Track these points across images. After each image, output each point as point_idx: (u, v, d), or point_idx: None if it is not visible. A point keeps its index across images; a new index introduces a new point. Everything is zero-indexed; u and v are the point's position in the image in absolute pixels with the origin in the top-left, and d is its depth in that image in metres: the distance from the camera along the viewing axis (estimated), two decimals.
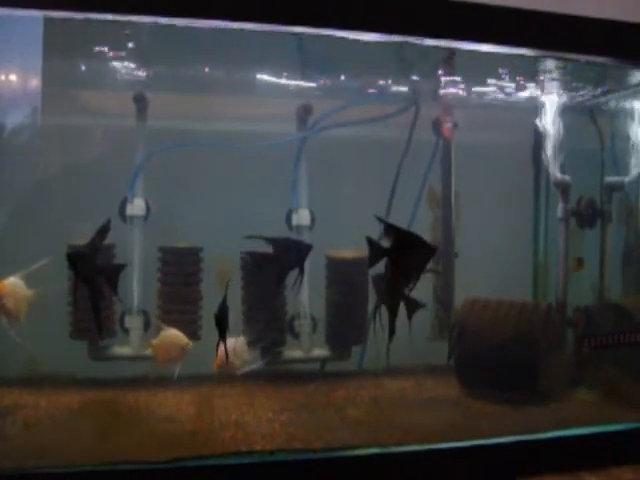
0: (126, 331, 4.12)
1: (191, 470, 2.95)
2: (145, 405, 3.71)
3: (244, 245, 3.85)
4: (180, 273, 4.08)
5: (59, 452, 3.02)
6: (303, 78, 4.21)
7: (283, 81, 4.20)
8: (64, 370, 3.89)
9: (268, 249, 3.43)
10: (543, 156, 4.44)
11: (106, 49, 3.61)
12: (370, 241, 2.91)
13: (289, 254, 3.40)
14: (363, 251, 3.69)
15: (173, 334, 3.62)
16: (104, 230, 3.11)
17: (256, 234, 3.36)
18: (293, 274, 3.50)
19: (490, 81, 4.22)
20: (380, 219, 2.91)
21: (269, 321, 4.16)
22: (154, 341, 3.63)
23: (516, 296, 4.26)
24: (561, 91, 4.31)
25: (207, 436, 3.30)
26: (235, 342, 3.48)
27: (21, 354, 3.62)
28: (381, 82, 4.34)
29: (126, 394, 3.82)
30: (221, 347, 3.22)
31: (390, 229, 2.89)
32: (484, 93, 4.41)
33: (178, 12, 2.88)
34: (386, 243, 2.91)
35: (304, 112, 4.37)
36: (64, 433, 3.31)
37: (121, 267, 3.25)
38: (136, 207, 4.14)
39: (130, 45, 3.53)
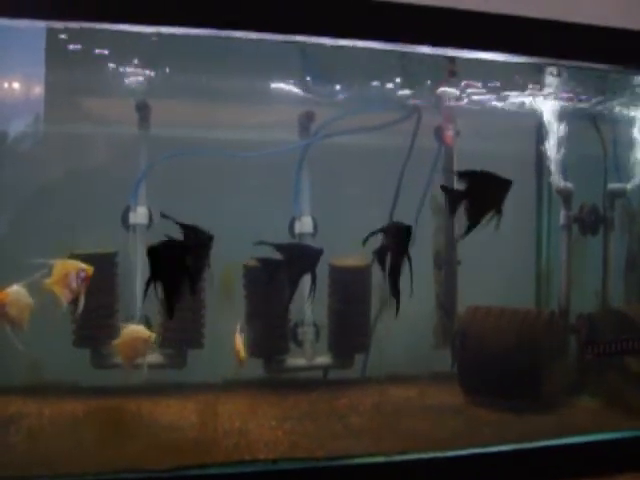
0: None
1: (194, 478, 2.95)
2: (148, 413, 3.72)
3: (247, 253, 3.87)
4: None
5: (63, 460, 3.02)
6: (305, 86, 4.22)
7: (285, 89, 4.21)
8: (67, 378, 3.90)
9: (274, 256, 3.41)
10: (545, 163, 4.45)
11: (109, 57, 3.62)
12: (446, 188, 3.06)
13: (300, 259, 3.38)
14: (365, 259, 3.72)
15: (134, 330, 3.59)
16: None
17: (265, 241, 3.33)
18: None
19: (491, 88, 4.23)
20: (450, 171, 3.00)
21: (273, 329, 4.17)
22: (116, 341, 3.58)
23: (519, 303, 4.26)
24: (563, 98, 4.31)
25: (210, 444, 3.30)
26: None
27: (25, 362, 3.63)
28: (383, 90, 4.34)
29: (129, 402, 3.82)
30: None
31: (464, 174, 3.03)
32: (485, 100, 4.41)
33: (182, 22, 2.89)
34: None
35: (306, 119, 4.39)
36: (68, 441, 3.31)
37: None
38: (139, 215, 4.14)
39: (133, 53, 3.55)
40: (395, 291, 3.05)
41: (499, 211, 3.08)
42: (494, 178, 3.14)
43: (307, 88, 4.20)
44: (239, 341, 3.66)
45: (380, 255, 3.10)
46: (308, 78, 4.11)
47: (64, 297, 3.28)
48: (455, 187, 3.15)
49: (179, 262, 2.76)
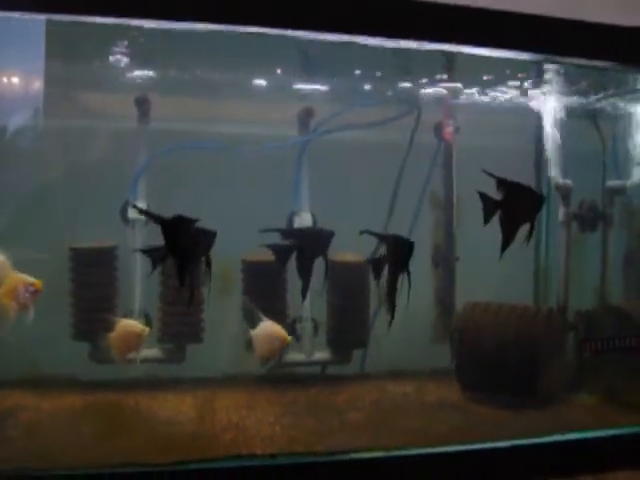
0: None
1: (192, 473, 2.94)
2: (146, 408, 3.72)
3: (245, 248, 3.87)
4: None
5: (61, 454, 3.02)
6: (305, 81, 4.21)
7: (285, 84, 4.21)
8: (65, 372, 3.90)
9: (266, 252, 3.38)
10: (544, 160, 4.45)
11: (109, 51, 3.61)
12: (482, 195, 2.97)
13: (311, 243, 3.34)
14: (363, 255, 3.70)
15: (128, 324, 3.60)
16: None
17: (270, 228, 3.23)
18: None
19: (491, 85, 4.23)
20: (489, 174, 2.95)
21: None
22: (111, 335, 3.58)
23: (517, 300, 4.26)
24: (562, 94, 4.31)
25: (208, 439, 3.31)
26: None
27: (23, 355, 3.63)
28: (383, 86, 4.34)
29: (127, 396, 3.82)
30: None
31: (501, 182, 2.97)
32: (485, 97, 4.41)
33: (181, 16, 2.89)
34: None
35: (306, 115, 4.38)
36: (66, 435, 3.31)
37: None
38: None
39: (133, 48, 3.54)
40: (391, 305, 3.02)
41: (532, 226, 3.06)
42: (529, 191, 3.12)
43: (306, 83, 4.21)
44: (273, 325, 3.55)
45: (376, 266, 3.05)
46: (306, 73, 4.11)
47: (11, 309, 3.32)
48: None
49: (191, 236, 2.76)
